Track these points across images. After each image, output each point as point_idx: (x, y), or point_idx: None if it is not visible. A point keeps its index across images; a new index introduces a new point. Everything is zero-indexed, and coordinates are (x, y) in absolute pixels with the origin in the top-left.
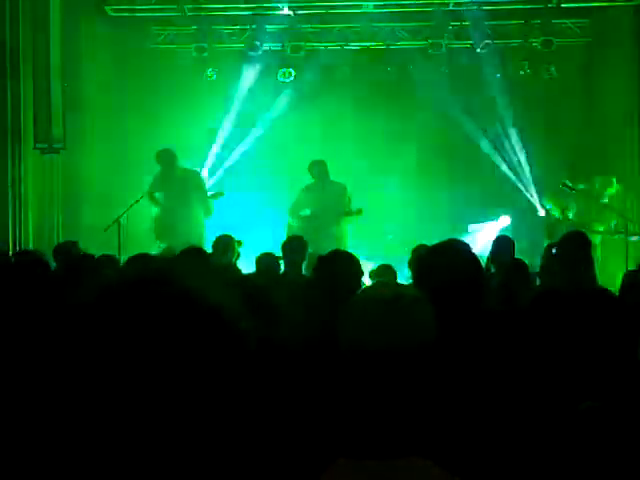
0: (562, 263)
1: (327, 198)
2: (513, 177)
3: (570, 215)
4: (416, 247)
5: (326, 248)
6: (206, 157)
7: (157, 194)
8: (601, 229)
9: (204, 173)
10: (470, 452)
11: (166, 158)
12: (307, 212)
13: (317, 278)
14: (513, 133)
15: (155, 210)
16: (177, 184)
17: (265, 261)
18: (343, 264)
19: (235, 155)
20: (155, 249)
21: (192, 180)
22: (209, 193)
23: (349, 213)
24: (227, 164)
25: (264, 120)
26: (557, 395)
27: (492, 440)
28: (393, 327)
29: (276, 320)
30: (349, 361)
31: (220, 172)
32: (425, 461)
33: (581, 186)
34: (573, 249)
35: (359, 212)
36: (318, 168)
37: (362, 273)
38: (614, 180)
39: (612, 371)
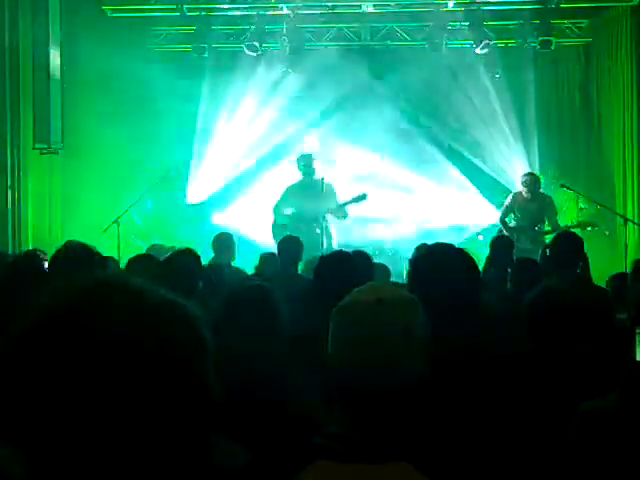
0: (555, 264)
1: (313, 196)
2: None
3: (512, 220)
4: (418, 246)
5: (311, 246)
6: (205, 157)
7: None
8: (549, 227)
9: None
10: (461, 459)
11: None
12: (292, 210)
13: (316, 277)
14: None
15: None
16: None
17: (267, 260)
18: (343, 263)
19: (234, 154)
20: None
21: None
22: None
23: (351, 202)
24: (227, 163)
25: (263, 120)
26: (556, 402)
27: (484, 447)
28: (373, 331)
29: (276, 320)
30: (335, 366)
31: (219, 172)
32: (407, 467)
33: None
34: (565, 250)
35: (362, 197)
36: (304, 162)
37: (366, 271)
38: (541, 177)
39: (610, 370)
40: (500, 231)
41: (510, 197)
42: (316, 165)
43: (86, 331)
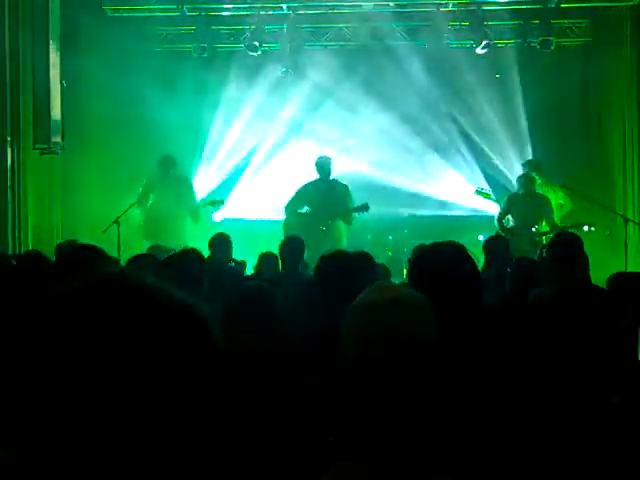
0: (553, 264)
1: (328, 197)
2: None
3: (510, 221)
4: (417, 246)
5: (322, 247)
6: (205, 157)
7: (151, 196)
8: (547, 228)
9: (206, 175)
10: (476, 455)
11: (166, 164)
12: (306, 209)
13: (317, 276)
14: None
15: (142, 211)
16: (169, 190)
17: (266, 261)
18: (344, 263)
19: (235, 154)
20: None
21: (183, 187)
22: (206, 199)
23: (354, 210)
24: (227, 164)
25: (263, 120)
26: (562, 394)
27: (498, 442)
28: (394, 332)
29: (278, 321)
30: (352, 367)
31: (219, 172)
32: (425, 466)
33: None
34: (563, 250)
35: (365, 207)
36: (323, 164)
37: (369, 272)
38: (537, 177)
39: (614, 368)
40: (497, 232)
41: (506, 199)
42: (331, 167)
43: (91, 331)
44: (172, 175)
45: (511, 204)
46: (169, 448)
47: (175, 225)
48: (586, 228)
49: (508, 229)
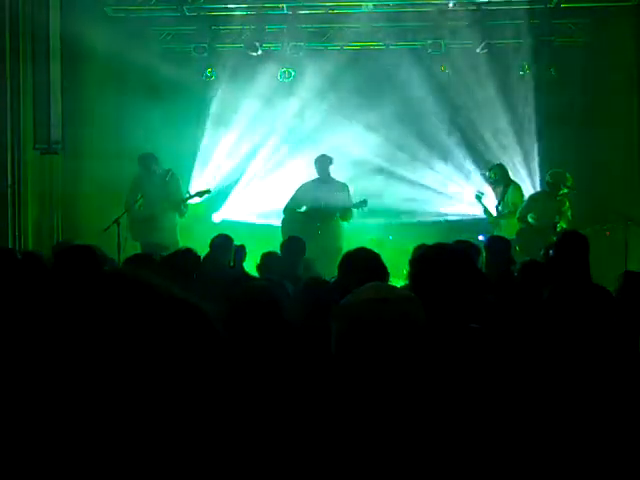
0: (560, 264)
1: (326, 196)
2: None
3: (530, 219)
4: (418, 246)
5: (320, 246)
6: (205, 157)
7: (139, 195)
8: (564, 226)
9: (208, 175)
10: (472, 452)
11: (146, 161)
12: (304, 209)
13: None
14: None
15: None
16: (155, 187)
17: (269, 261)
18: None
19: (234, 154)
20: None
21: (170, 181)
22: (195, 190)
23: (353, 206)
24: (226, 165)
25: (264, 120)
26: (562, 391)
27: (492, 439)
28: (383, 326)
29: (283, 318)
30: (342, 361)
31: (218, 172)
32: None
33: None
34: (570, 250)
35: (364, 203)
36: (322, 163)
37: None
38: (568, 175)
39: (615, 365)
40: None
41: (529, 198)
42: (331, 166)
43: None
44: (156, 171)
45: (535, 202)
46: (174, 442)
47: (163, 222)
48: (605, 227)
49: (532, 226)
